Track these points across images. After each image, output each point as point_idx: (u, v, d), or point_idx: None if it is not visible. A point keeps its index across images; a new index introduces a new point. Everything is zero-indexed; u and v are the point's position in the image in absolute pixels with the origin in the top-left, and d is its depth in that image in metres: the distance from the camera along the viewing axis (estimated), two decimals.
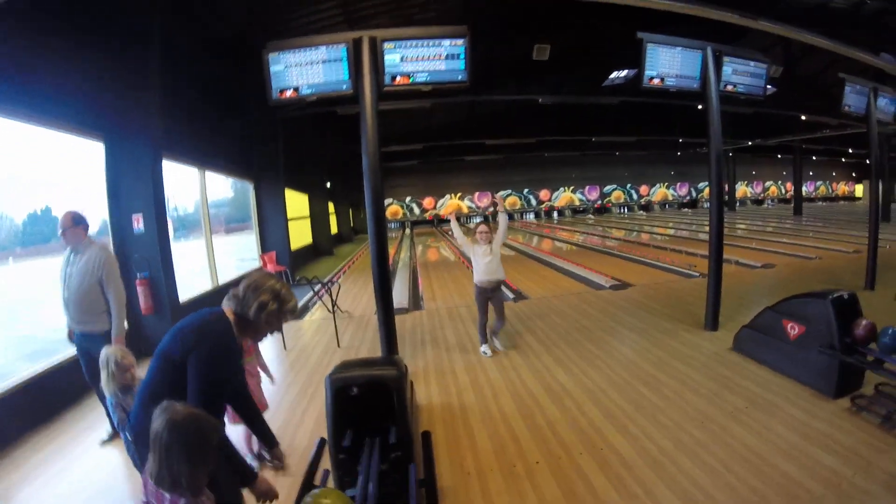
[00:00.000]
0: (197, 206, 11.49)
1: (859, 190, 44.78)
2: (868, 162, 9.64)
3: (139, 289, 7.50)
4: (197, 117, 10.78)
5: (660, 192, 40.79)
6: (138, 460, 2.64)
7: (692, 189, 40.99)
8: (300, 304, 10.37)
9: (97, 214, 7.88)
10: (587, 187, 39.06)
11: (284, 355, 7.18)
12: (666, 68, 6.67)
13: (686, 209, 39.53)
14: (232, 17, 10.64)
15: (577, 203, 39.07)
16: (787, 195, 39.90)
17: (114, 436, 4.64)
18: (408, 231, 33.51)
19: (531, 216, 38.01)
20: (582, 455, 3.90)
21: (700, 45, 6.80)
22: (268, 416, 3.23)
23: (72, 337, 4.72)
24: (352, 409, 2.93)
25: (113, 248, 7.58)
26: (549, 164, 36.36)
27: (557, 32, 13.31)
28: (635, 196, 40.36)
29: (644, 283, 10.58)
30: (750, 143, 28.31)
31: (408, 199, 36.51)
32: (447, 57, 5.45)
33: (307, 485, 2.49)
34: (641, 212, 39.41)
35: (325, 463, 2.87)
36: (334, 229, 26.31)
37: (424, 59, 5.46)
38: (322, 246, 21.65)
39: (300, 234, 19.02)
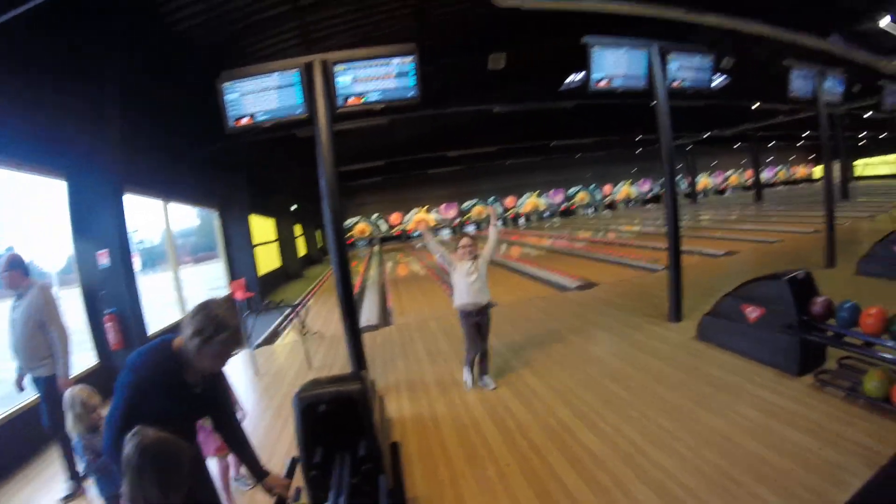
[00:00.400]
0: (163, 237, 11.43)
1: (818, 171, 45.84)
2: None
3: (108, 324, 7.44)
4: (158, 149, 10.71)
5: (623, 190, 41.30)
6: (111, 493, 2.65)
7: (655, 184, 41.57)
8: (270, 328, 10.37)
9: (63, 252, 7.84)
10: (552, 191, 39.42)
11: (257, 381, 7.17)
12: (613, 69, 6.85)
13: (650, 205, 40.08)
14: (188, 48, 10.62)
15: (543, 207, 39.39)
16: (748, 183, 40.64)
17: (77, 489, 4.51)
18: (376, 248, 33.46)
19: (499, 224, 38.10)
20: (553, 455, 3.98)
21: (645, 43, 6.98)
22: None
23: (20, 384, 4.59)
24: (321, 426, 2.96)
25: (80, 284, 7.54)
26: (513, 171, 36.62)
27: (512, 42, 13.51)
28: (599, 196, 40.83)
29: (610, 280, 10.76)
30: (707, 135, 28.88)
31: (375, 216, 36.46)
32: (397, 75, 5.53)
33: (280, 503, 2.54)
34: (607, 211, 39.86)
35: (299, 481, 2.90)
36: (303, 251, 26.21)
37: (375, 78, 5.53)
38: (291, 269, 21.56)
39: (269, 259, 18.92)
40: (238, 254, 14.98)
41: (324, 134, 5.58)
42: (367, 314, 10.65)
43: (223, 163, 14.29)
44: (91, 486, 4.46)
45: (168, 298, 10.75)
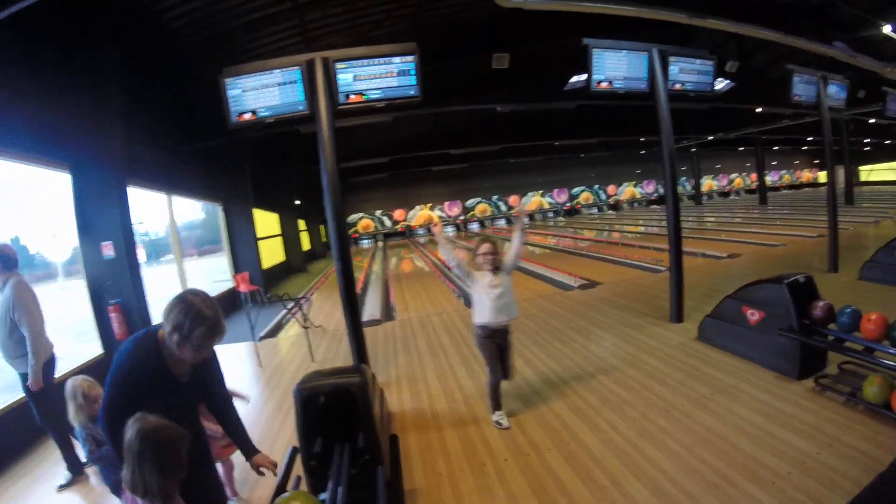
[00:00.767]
0: (168, 230, 11.50)
1: (823, 176, 45.68)
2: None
3: (112, 315, 7.51)
4: (161, 143, 10.78)
5: (627, 190, 41.27)
6: (114, 480, 2.69)
7: (659, 185, 41.46)
8: (274, 321, 10.42)
9: (68, 243, 7.91)
10: (555, 190, 39.41)
11: (260, 373, 7.23)
12: (613, 71, 6.90)
13: (654, 206, 40.03)
14: (190, 43, 10.67)
15: (547, 206, 39.41)
16: (753, 186, 40.54)
17: (72, 479, 4.54)
18: (380, 244, 33.53)
19: (502, 222, 38.24)
20: (550, 451, 4.02)
21: (646, 47, 7.03)
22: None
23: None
24: (321, 418, 3.01)
25: (85, 275, 7.62)
26: (516, 169, 36.63)
27: (515, 42, 13.52)
28: (604, 196, 40.81)
29: (613, 280, 10.78)
30: (711, 137, 28.82)
31: (378, 212, 36.52)
32: (399, 73, 5.58)
33: (280, 490, 2.58)
34: (611, 211, 39.82)
35: (298, 470, 2.95)
36: (306, 246, 26.26)
37: (376, 76, 5.59)
38: (295, 263, 21.62)
39: (273, 253, 18.99)
40: (242, 247, 15.03)
41: (325, 131, 5.63)
42: (370, 309, 10.68)
43: (227, 157, 14.36)
44: (93, 474, 4.55)
45: (173, 289, 10.81)
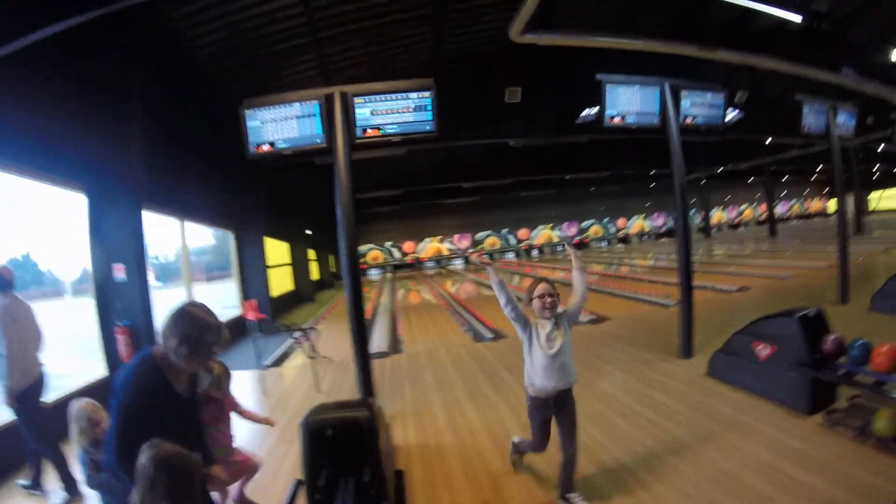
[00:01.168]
0: (178, 254, 11.60)
1: (833, 205, 45.55)
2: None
3: (119, 337, 7.56)
4: (177, 169, 10.93)
5: (637, 223, 41.33)
6: None
7: (669, 218, 41.46)
8: (280, 350, 10.41)
9: (80, 264, 7.99)
10: (565, 224, 39.50)
11: (264, 401, 7.21)
12: (626, 106, 6.98)
13: (664, 239, 39.98)
14: (212, 72, 10.91)
15: (556, 240, 39.42)
16: (763, 217, 40.50)
17: (69, 500, 4.55)
18: (389, 275, 33.58)
19: (511, 255, 38.25)
20: (557, 489, 3.97)
21: (657, 81, 7.10)
22: None
23: None
24: (327, 451, 3.00)
25: (95, 296, 7.68)
26: (527, 203, 36.84)
27: (527, 75, 13.71)
28: (613, 230, 40.81)
29: (622, 315, 10.72)
30: (721, 169, 28.89)
31: (388, 243, 36.67)
32: (415, 109, 5.68)
33: None
34: (620, 245, 39.78)
35: (302, 503, 2.94)
36: (315, 275, 26.34)
37: (393, 111, 5.70)
38: (304, 292, 21.67)
39: (282, 281, 19.05)
40: (252, 275, 15.12)
41: (342, 164, 5.70)
42: (378, 341, 10.67)
43: (241, 185, 14.53)
44: (90, 499, 4.53)
45: None
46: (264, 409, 6.87)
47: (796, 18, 9.57)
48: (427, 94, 5.71)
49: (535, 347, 3.70)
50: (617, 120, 6.97)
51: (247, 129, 5.73)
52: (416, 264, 36.82)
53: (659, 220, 41.70)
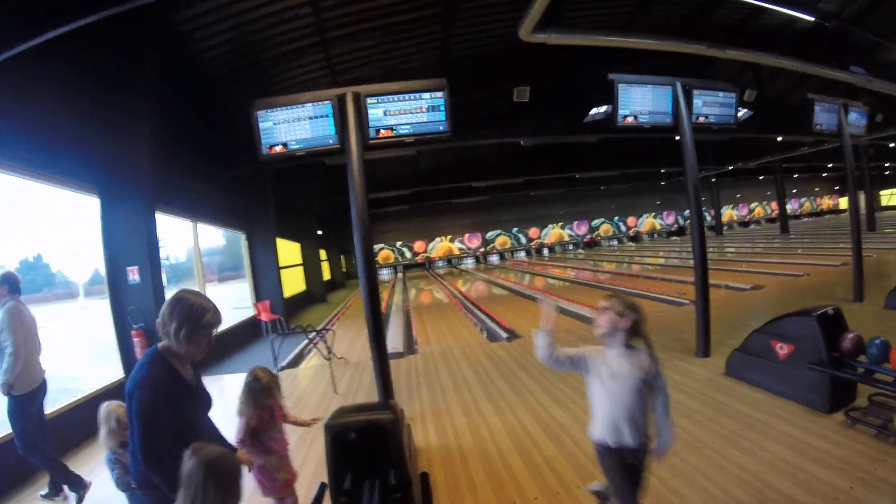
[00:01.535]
0: (190, 255, 11.67)
1: (843, 202, 45.19)
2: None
3: (135, 339, 7.67)
4: (188, 171, 11.00)
5: (647, 222, 41.17)
6: None
7: (679, 217, 41.35)
8: (295, 352, 10.43)
9: (92, 265, 8.03)
10: (575, 222, 39.43)
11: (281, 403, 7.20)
12: (638, 106, 6.93)
13: (675, 237, 39.82)
14: (221, 73, 10.94)
15: (567, 238, 39.34)
16: (773, 215, 40.24)
17: (55, 495, 4.75)
18: (400, 275, 33.62)
19: (522, 254, 38.21)
20: (580, 489, 3.94)
21: (669, 81, 7.06)
22: None
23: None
24: (351, 454, 2.99)
25: (109, 299, 7.78)
26: (537, 202, 36.75)
27: (536, 74, 13.68)
28: (623, 228, 40.70)
29: None
30: (731, 167, 28.73)
31: (398, 243, 36.73)
32: (428, 109, 5.66)
33: None
34: (631, 243, 39.66)
35: None
36: (327, 276, 26.39)
37: (407, 112, 5.67)
38: (315, 293, 21.73)
39: (293, 282, 19.12)
40: (264, 276, 15.18)
41: (355, 165, 5.69)
42: (392, 341, 10.66)
43: (252, 186, 14.59)
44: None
45: None
46: None
47: (808, 18, 9.54)
48: (440, 94, 5.68)
49: (597, 381, 2.95)
50: (630, 120, 6.93)
51: (259, 130, 5.72)
52: (427, 264, 36.80)
53: (669, 219, 41.52)
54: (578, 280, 19.28)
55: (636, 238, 40.65)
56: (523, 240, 38.54)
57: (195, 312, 2.47)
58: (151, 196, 8.16)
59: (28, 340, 4.72)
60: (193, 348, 2.50)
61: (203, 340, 2.52)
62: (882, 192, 39.50)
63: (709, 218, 38.72)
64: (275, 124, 5.71)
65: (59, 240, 8.20)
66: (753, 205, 43.62)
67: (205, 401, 2.72)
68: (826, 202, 45.91)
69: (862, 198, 22.08)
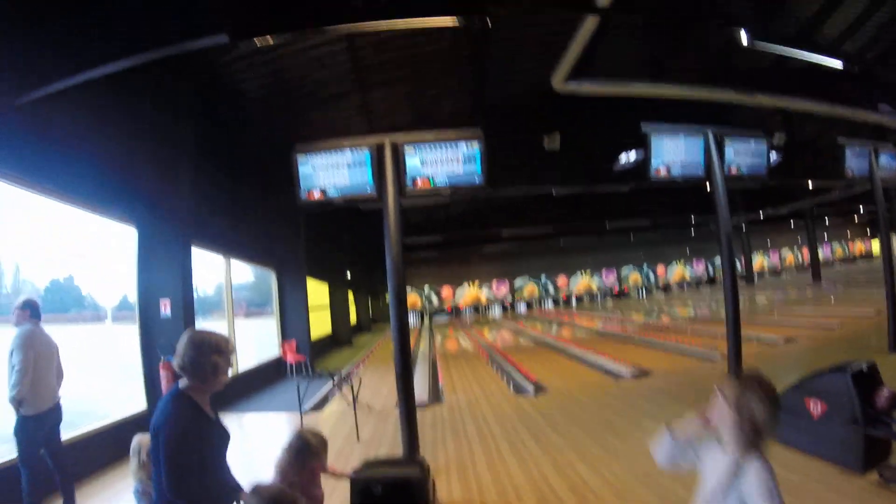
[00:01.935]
0: (218, 288, 11.88)
1: (876, 246, 44.18)
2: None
3: (162, 372, 7.67)
4: (223, 208, 11.27)
5: (677, 271, 40.63)
6: None
7: (709, 265, 40.73)
8: (319, 395, 10.40)
9: (121, 291, 8.19)
10: (604, 271, 39.10)
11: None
12: (671, 156, 6.95)
13: (705, 286, 39.24)
14: (260, 115, 11.26)
15: (595, 289, 39.02)
16: (805, 262, 39.42)
17: None
18: (426, 321, 33.59)
19: (549, 304, 37.93)
20: None
21: (700, 129, 7.07)
22: None
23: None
24: None
25: (139, 330, 7.87)
26: (566, 250, 36.61)
27: (566, 120, 13.81)
28: (653, 277, 40.24)
29: (666, 368, 10.48)
30: (761, 214, 28.38)
31: (426, 288, 36.76)
32: (464, 160, 5.65)
33: None
34: (660, 293, 39.17)
35: None
36: (353, 318, 26.42)
37: (443, 161, 5.66)
38: (341, 336, 21.74)
39: (319, 324, 19.15)
40: (292, 316, 15.24)
41: (391, 213, 5.69)
42: (418, 390, 10.53)
43: (284, 225, 14.81)
44: None
45: None
46: None
47: (836, 64, 9.54)
48: (476, 144, 5.67)
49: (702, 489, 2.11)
50: (662, 171, 6.93)
51: (298, 175, 5.76)
52: (455, 312, 36.72)
53: (699, 267, 40.96)
54: (606, 331, 19.06)
55: (666, 288, 40.10)
56: (551, 288, 38.26)
57: (223, 342, 2.60)
58: (188, 231, 8.33)
59: (40, 363, 4.89)
60: (221, 379, 2.60)
61: (226, 368, 2.62)
62: None
63: (739, 266, 38.03)
64: (314, 169, 5.75)
65: (91, 263, 8.36)
66: (785, 251, 42.86)
67: (225, 436, 2.76)
68: (858, 247, 44.86)
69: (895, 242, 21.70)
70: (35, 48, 5.55)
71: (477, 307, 37.22)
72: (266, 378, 12.80)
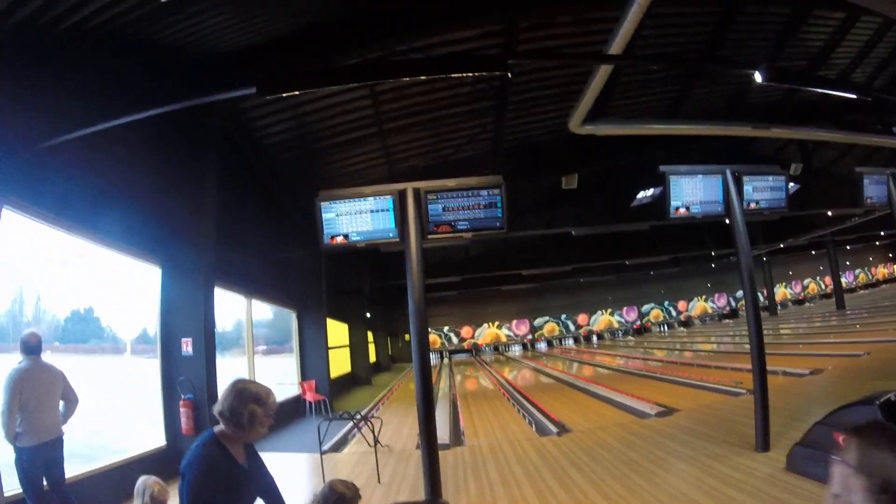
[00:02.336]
0: (237, 325, 11.99)
1: None
2: None
3: (182, 409, 7.76)
4: (245, 249, 11.48)
5: (698, 305, 40.15)
6: None
7: (731, 299, 40.18)
8: (338, 436, 10.39)
9: (141, 326, 8.33)
10: (625, 308, 38.80)
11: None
12: (690, 196, 6.98)
13: (727, 320, 38.71)
14: (282, 159, 11.54)
15: (616, 325, 38.71)
16: (828, 290, 38.67)
17: None
18: (446, 360, 33.44)
19: (570, 342, 37.62)
20: None
21: (719, 169, 7.11)
22: None
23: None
24: None
25: (161, 367, 8.00)
26: (586, 288, 36.46)
27: (583, 161, 13.95)
28: (674, 313, 39.82)
29: (690, 405, 10.33)
30: (782, 244, 28.08)
31: (446, 328, 36.70)
32: (486, 206, 5.80)
33: None
34: (682, 328, 38.70)
35: None
36: (373, 358, 26.41)
37: (465, 208, 5.81)
38: (360, 375, 21.72)
39: (338, 363, 19.17)
40: (311, 355, 15.35)
41: (414, 259, 5.80)
42: (439, 431, 10.52)
43: (304, 266, 15.01)
44: None
45: None
46: None
47: (850, 96, 9.60)
48: (497, 191, 5.81)
49: None
50: (682, 211, 6.98)
51: (321, 220, 5.91)
52: (474, 350, 36.55)
53: (721, 301, 40.46)
54: (628, 369, 18.87)
55: (687, 323, 39.62)
56: (572, 326, 37.99)
57: (263, 393, 2.63)
58: (211, 271, 8.47)
59: (35, 397, 4.95)
60: (258, 427, 2.61)
61: (267, 422, 2.63)
62: None
63: (762, 298, 37.50)
64: (337, 216, 5.91)
65: (112, 295, 8.51)
66: (807, 281, 42.23)
67: (260, 483, 2.79)
68: (881, 271, 44.02)
69: None
70: (69, 92, 5.88)
71: (497, 346, 37.04)
72: (284, 416, 12.81)
